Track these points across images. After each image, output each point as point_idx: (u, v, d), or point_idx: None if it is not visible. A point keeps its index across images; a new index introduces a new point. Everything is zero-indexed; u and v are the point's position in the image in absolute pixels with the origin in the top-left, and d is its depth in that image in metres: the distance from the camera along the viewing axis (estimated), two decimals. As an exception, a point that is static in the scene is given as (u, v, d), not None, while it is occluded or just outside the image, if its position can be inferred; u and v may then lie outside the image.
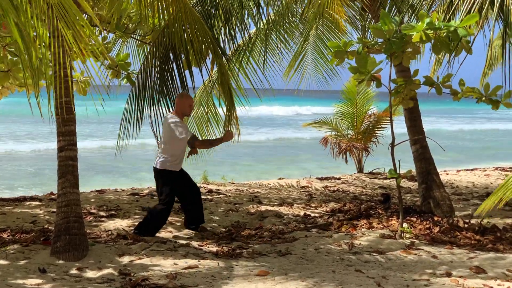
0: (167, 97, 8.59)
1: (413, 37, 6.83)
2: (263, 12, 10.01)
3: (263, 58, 10.86)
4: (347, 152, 15.98)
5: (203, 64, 8.53)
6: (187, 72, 8.62)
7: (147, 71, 8.67)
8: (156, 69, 8.58)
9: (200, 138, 7.82)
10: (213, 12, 9.51)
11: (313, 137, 26.07)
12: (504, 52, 7.68)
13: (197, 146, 7.86)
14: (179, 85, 8.60)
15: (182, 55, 8.41)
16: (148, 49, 9.24)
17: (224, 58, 9.04)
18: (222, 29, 9.65)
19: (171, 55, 8.49)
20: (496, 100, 7.54)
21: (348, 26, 12.53)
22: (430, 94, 7.70)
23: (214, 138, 8.01)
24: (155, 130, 8.62)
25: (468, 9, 7.31)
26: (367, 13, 11.64)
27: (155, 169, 7.95)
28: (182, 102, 7.90)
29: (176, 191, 7.95)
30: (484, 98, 7.59)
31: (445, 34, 6.78)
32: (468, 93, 7.55)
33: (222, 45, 9.74)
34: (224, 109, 10.23)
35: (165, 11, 7.87)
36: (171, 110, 8.39)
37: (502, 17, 7.65)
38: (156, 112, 8.62)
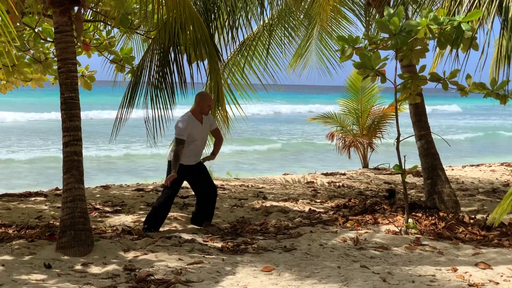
0: (165, 91, 8.59)
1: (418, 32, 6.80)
2: (265, 8, 9.99)
3: (265, 54, 10.86)
4: (351, 147, 15.94)
5: (200, 61, 8.52)
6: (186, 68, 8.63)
7: (146, 65, 8.64)
8: (156, 64, 8.57)
9: (182, 149, 7.79)
10: (216, 9, 9.45)
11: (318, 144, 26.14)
12: (500, 49, 7.68)
13: (177, 149, 7.78)
14: (177, 80, 8.59)
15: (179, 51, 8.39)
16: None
17: (219, 59, 9.00)
18: (226, 23, 9.60)
19: (171, 52, 8.47)
20: (503, 94, 7.50)
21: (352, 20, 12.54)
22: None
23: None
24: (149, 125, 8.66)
25: (471, 3, 7.30)
26: (371, 8, 11.61)
27: (168, 161, 8.13)
28: (202, 102, 7.99)
29: (177, 183, 8.00)
30: (491, 93, 7.54)
31: (449, 28, 6.75)
32: (475, 89, 7.51)
33: (225, 40, 9.72)
34: (232, 107, 10.27)
35: (164, 7, 7.83)
36: (169, 105, 8.47)
37: (502, 14, 7.63)
38: (153, 107, 8.61)
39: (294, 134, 34.63)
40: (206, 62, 8.63)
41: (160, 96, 8.53)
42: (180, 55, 8.31)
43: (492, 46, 8.88)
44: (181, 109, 8.80)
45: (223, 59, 9.94)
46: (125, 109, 8.48)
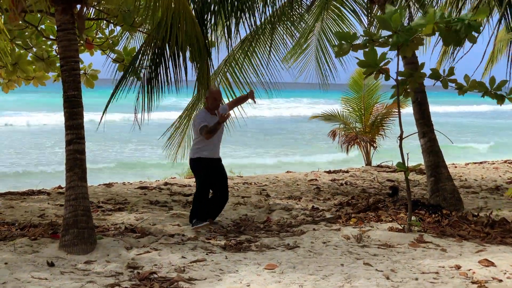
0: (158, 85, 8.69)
1: (424, 29, 6.77)
2: (268, 5, 9.98)
3: (268, 50, 10.85)
4: (350, 144, 15.91)
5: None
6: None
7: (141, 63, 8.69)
8: (150, 58, 8.61)
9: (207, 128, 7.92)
10: (215, 7, 9.43)
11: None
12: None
13: (205, 137, 7.94)
14: (172, 77, 8.65)
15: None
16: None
17: (209, 56, 8.98)
18: (229, 19, 9.59)
19: (167, 50, 8.48)
20: (501, 94, 7.50)
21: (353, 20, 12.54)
22: None
23: (213, 125, 8.07)
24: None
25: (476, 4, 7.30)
26: (374, 6, 11.59)
27: (189, 160, 8.30)
28: (208, 97, 8.22)
29: (207, 177, 8.12)
30: (489, 92, 7.53)
31: (458, 27, 6.72)
32: (474, 88, 7.50)
33: (226, 38, 9.71)
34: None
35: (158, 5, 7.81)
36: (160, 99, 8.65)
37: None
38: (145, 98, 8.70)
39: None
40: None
41: (154, 90, 8.59)
42: (175, 51, 8.32)
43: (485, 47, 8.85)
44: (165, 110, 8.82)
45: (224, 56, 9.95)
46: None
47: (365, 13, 12.29)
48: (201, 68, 8.38)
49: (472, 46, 7.23)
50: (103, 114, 8.36)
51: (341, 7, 12.53)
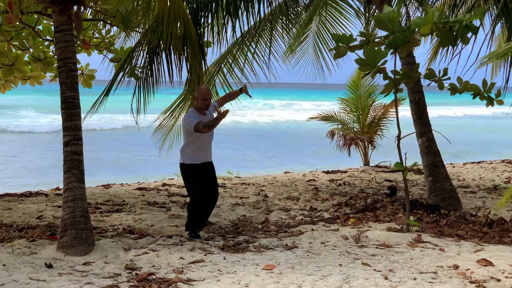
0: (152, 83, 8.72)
1: (421, 29, 6.77)
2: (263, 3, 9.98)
3: (269, 49, 10.83)
4: (351, 145, 15.88)
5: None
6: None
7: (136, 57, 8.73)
8: (145, 57, 8.62)
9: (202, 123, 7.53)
10: (213, 5, 9.42)
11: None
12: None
13: (202, 131, 7.41)
14: (167, 77, 8.68)
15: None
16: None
17: (202, 56, 8.96)
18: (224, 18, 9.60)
19: (161, 48, 8.50)
20: (489, 97, 7.54)
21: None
22: None
23: (212, 120, 7.65)
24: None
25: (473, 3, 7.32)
26: (372, 5, 11.60)
27: (181, 166, 7.81)
28: (197, 97, 7.74)
29: (203, 183, 7.68)
30: (481, 94, 7.58)
31: (455, 27, 6.72)
32: (466, 89, 7.53)
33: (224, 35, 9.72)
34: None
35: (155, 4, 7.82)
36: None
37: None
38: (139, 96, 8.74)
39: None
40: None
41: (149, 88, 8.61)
42: (169, 50, 8.34)
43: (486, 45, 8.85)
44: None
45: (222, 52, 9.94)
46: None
47: (362, 11, 12.30)
48: (194, 67, 8.36)
49: (463, 47, 7.28)
50: (93, 107, 8.41)
51: (339, 1, 12.53)
